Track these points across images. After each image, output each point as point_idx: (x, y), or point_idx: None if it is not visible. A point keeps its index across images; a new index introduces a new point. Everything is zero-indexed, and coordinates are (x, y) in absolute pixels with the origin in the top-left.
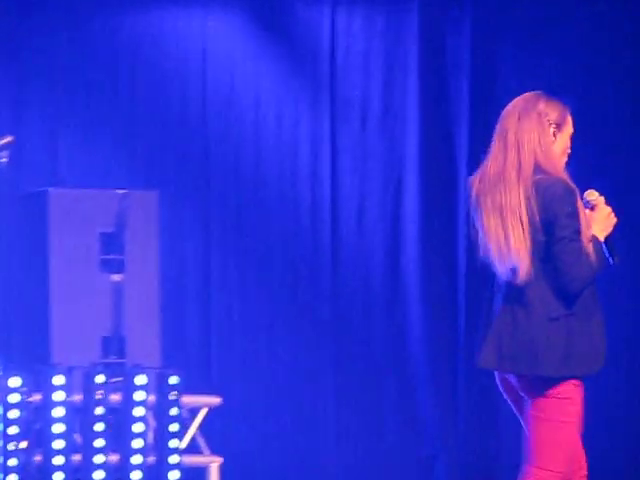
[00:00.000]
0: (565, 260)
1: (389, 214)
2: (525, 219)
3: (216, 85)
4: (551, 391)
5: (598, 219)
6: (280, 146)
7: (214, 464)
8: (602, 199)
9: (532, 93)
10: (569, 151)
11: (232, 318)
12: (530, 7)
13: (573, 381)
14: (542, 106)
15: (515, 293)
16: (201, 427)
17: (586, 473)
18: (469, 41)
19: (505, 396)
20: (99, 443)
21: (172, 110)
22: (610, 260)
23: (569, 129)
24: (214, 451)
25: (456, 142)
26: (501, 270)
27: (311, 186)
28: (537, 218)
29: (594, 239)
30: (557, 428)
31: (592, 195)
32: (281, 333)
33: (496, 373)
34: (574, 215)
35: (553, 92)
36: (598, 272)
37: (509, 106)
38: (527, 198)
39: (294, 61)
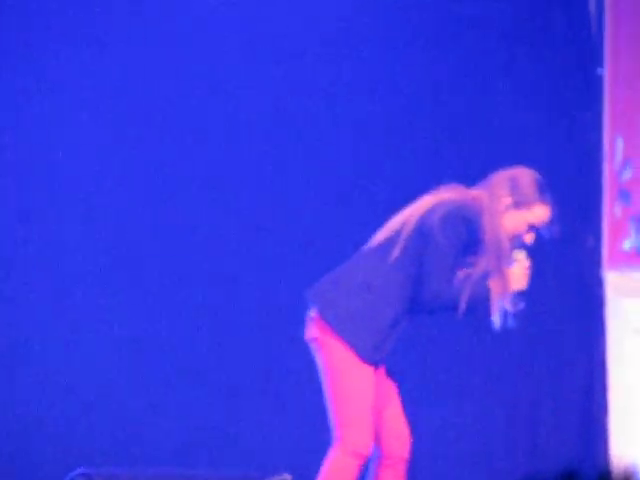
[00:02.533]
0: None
1: None
2: None
3: None
4: None
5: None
6: None
7: None
8: (524, 262)
9: (525, 171)
10: (523, 235)
11: None
12: None
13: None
14: (516, 182)
15: None
16: None
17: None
18: None
19: None
20: None
21: None
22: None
23: (527, 216)
24: None
25: None
26: None
27: None
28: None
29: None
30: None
31: (518, 254)
32: None
33: None
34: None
35: None
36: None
37: (513, 169)
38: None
39: None
